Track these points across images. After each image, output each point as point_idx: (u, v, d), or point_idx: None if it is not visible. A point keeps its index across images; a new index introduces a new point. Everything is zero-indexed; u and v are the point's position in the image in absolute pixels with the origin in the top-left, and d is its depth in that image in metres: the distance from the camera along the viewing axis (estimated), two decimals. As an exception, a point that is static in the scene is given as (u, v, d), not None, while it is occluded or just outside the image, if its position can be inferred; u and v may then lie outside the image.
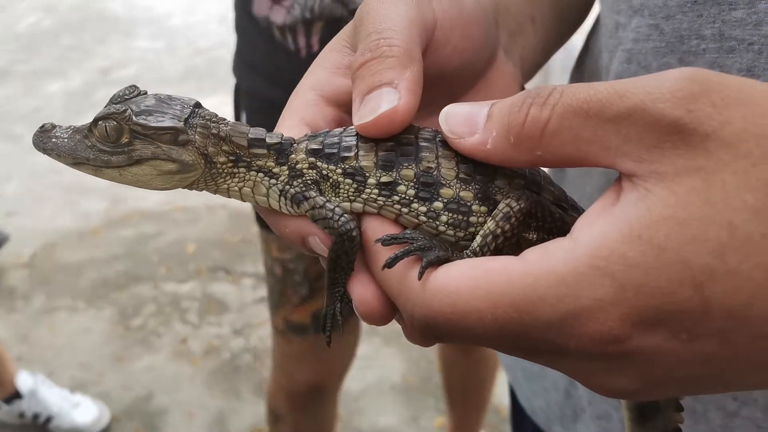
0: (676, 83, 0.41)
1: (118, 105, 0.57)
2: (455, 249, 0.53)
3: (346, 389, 2.84)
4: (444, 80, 0.61)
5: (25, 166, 4.53)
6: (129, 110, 0.55)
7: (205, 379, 2.97)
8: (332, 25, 1.53)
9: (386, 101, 0.51)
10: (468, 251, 0.52)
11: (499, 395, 2.83)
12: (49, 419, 2.75)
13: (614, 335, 0.42)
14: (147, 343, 3.19)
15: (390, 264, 0.50)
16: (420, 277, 0.48)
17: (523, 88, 0.70)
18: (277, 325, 1.88)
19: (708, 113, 0.40)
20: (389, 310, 0.52)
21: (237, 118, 1.77)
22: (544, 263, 0.44)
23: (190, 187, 0.58)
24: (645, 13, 0.65)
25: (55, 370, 3.02)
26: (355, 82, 0.54)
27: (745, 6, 0.57)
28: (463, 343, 0.48)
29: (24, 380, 2.75)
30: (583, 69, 0.90)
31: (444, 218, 0.54)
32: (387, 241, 0.51)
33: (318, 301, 1.82)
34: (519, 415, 1.10)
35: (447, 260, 0.49)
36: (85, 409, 2.80)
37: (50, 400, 2.75)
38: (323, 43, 1.53)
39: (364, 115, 0.52)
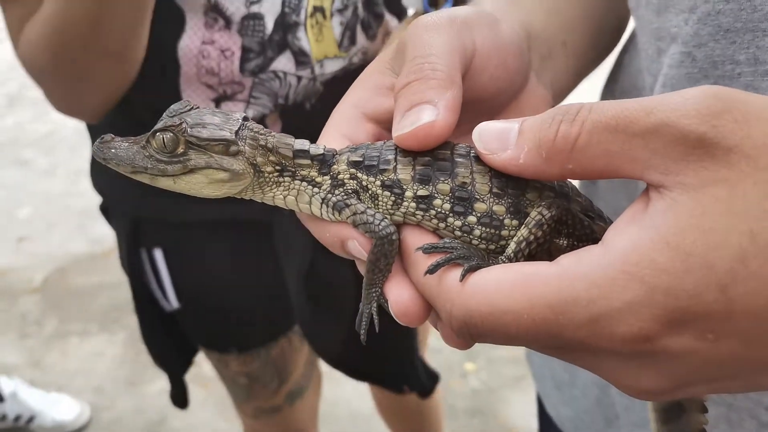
0: (701, 101, 0.44)
1: (174, 118, 0.60)
2: (488, 256, 0.55)
3: (358, 410, 2.84)
4: (478, 104, 0.64)
5: (37, 191, 4.58)
6: (185, 123, 0.59)
7: (217, 403, 2.96)
8: (300, 109, 1.39)
9: (426, 116, 0.55)
10: (503, 257, 0.55)
11: (515, 417, 2.82)
12: (31, 419, 2.79)
13: (644, 335, 0.44)
14: (159, 366, 3.19)
15: (432, 270, 0.52)
16: (462, 279, 0.50)
17: None
18: (247, 411, 1.86)
19: (731, 128, 0.43)
20: (424, 311, 0.55)
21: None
22: (578, 268, 0.46)
23: (238, 194, 0.62)
24: (679, 41, 0.67)
25: (69, 396, 3.02)
26: (397, 100, 0.57)
27: None
28: (499, 342, 0.51)
29: (4, 384, 2.81)
30: (615, 86, 0.92)
31: (477, 232, 0.57)
32: (428, 250, 0.54)
33: (290, 382, 1.79)
34: (547, 427, 1.11)
35: (485, 266, 0.52)
36: (65, 407, 2.85)
37: (30, 400, 2.80)
38: (287, 131, 1.40)
39: (403, 126, 0.56)
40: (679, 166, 0.44)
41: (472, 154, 0.57)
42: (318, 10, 1.33)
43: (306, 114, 1.40)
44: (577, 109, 0.48)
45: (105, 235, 4.09)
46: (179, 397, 1.81)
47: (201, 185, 0.60)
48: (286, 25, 1.30)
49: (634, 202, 0.49)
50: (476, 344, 0.54)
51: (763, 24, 0.60)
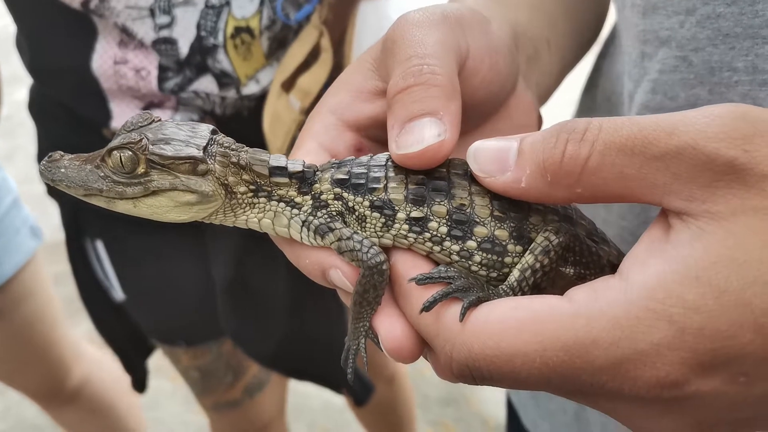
0: (729, 122, 0.40)
1: (133, 133, 0.53)
2: (488, 286, 0.50)
3: (331, 402, 2.80)
4: (468, 110, 0.58)
5: (-5, 176, 4.42)
6: (145, 139, 0.52)
7: (185, 396, 2.90)
8: (237, 117, 1.37)
9: (431, 133, 0.49)
10: (504, 286, 0.50)
11: (488, 405, 2.81)
12: None
13: (672, 380, 0.40)
14: (125, 358, 3.11)
15: (428, 307, 0.47)
16: (462, 318, 0.46)
17: (539, 115, 0.68)
18: (207, 405, 1.84)
19: (764, 153, 0.39)
20: (419, 346, 0.50)
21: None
22: (594, 304, 0.42)
23: (207, 218, 0.55)
24: (672, 45, 0.63)
25: (30, 389, 2.93)
26: (393, 107, 0.51)
27: None
28: (506, 386, 0.46)
29: None
30: (596, 92, 0.88)
31: (477, 258, 0.51)
32: (422, 281, 0.49)
33: (247, 376, 1.76)
34: None
35: (486, 300, 0.47)
36: None
37: None
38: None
39: (407, 144, 0.50)
40: (706, 192, 0.40)
41: (469, 173, 0.51)
42: (242, 30, 1.27)
43: (243, 119, 1.37)
44: (584, 127, 0.44)
45: (61, 221, 3.98)
46: (137, 382, 1.80)
47: (165, 209, 0.53)
48: (203, 48, 1.25)
49: (650, 228, 0.45)
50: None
51: (764, 31, 0.56)
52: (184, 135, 0.53)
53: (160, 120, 0.55)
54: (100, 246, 1.51)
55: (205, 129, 0.55)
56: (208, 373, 1.71)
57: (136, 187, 0.52)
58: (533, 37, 0.70)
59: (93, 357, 1.93)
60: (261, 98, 1.34)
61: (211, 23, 1.23)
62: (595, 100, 0.87)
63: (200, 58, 1.25)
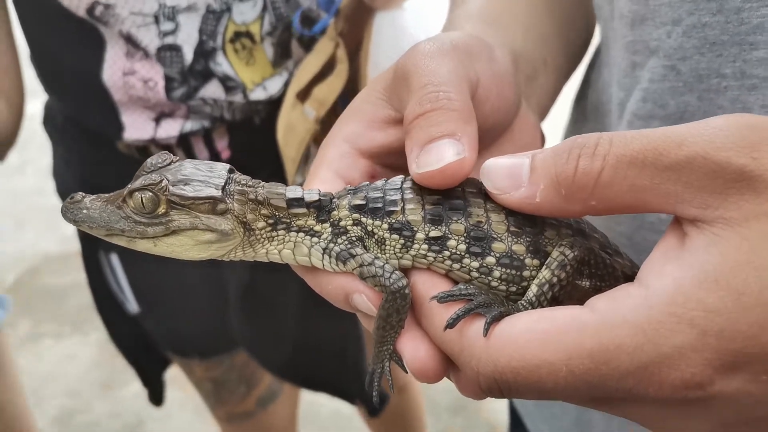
0: (736, 132, 0.42)
1: (153, 175, 0.55)
2: (508, 301, 0.52)
3: (340, 410, 2.81)
4: (479, 135, 0.60)
5: (5, 189, 4.46)
6: (165, 180, 0.54)
7: (196, 406, 2.91)
8: (248, 124, 1.38)
9: (450, 152, 0.51)
10: (523, 301, 0.51)
11: (498, 413, 2.81)
12: None
13: (696, 381, 0.42)
14: (136, 368, 3.13)
15: (452, 324, 0.48)
16: (486, 333, 0.47)
17: (542, 133, 0.70)
18: (220, 416, 1.84)
19: None
20: (444, 366, 0.51)
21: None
22: (616, 312, 0.44)
23: (226, 256, 0.56)
24: (660, 55, 0.64)
25: (42, 400, 2.95)
26: (411, 132, 0.53)
27: (767, 46, 0.57)
28: (533, 397, 0.47)
29: None
30: (586, 102, 0.89)
31: (497, 273, 0.53)
32: (443, 299, 0.50)
33: (260, 387, 1.77)
34: None
35: (508, 314, 0.48)
36: None
37: None
38: (235, 147, 1.36)
39: (428, 163, 0.51)
40: (719, 200, 0.42)
41: (484, 191, 0.53)
42: (242, 35, 1.29)
43: (255, 128, 1.38)
44: (595, 142, 0.45)
45: (76, 233, 4.01)
46: (154, 395, 1.80)
47: (185, 247, 0.55)
48: (205, 52, 1.27)
49: (665, 236, 0.47)
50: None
51: (751, 37, 0.58)
52: (203, 175, 0.55)
53: (178, 160, 0.57)
54: (114, 259, 1.52)
55: (222, 168, 0.56)
56: (221, 384, 1.73)
57: (157, 227, 0.54)
58: (531, 59, 0.71)
59: None
60: (272, 107, 1.35)
61: (211, 27, 1.25)
62: (585, 110, 0.89)
63: (204, 63, 1.27)
